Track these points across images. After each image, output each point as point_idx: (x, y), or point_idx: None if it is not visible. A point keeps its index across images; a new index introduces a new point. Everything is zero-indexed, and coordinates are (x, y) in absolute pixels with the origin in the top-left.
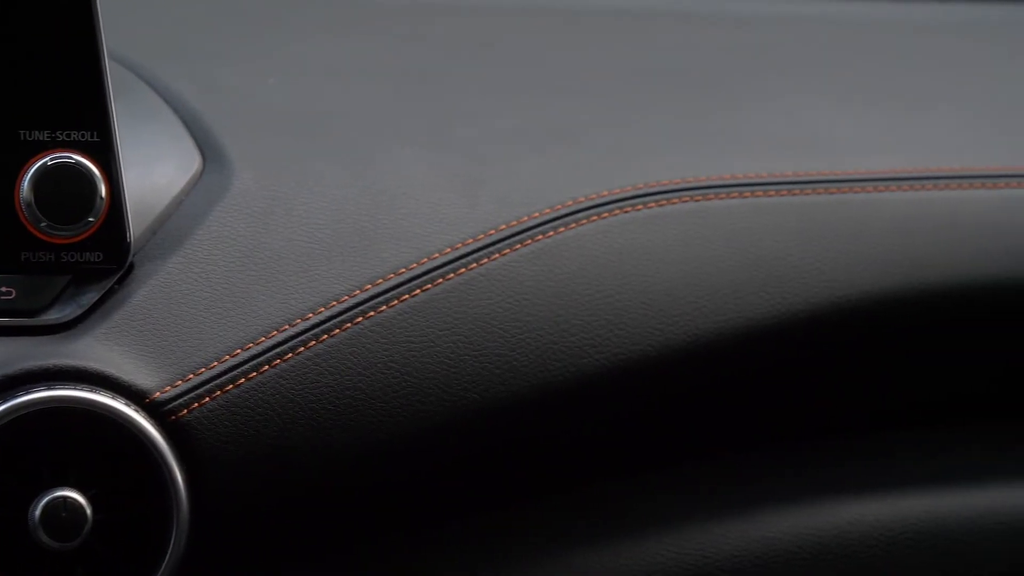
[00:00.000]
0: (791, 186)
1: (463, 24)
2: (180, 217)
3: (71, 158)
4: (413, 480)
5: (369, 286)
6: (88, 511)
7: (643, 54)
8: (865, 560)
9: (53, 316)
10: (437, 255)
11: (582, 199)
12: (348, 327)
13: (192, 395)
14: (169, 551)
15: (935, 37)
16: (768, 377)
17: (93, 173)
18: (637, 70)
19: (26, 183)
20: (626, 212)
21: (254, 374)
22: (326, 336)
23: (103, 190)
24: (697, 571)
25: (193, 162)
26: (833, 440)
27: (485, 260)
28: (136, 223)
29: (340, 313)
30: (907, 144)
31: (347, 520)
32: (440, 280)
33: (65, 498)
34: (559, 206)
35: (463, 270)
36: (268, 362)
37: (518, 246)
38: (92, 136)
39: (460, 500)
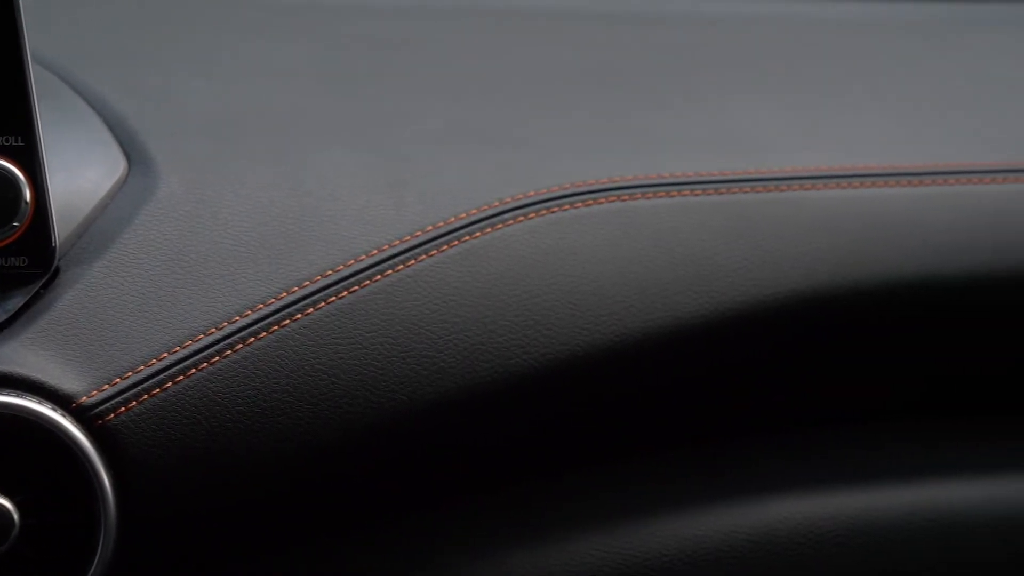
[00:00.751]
0: (717, 185)
1: (388, 25)
2: (106, 221)
3: None
4: (342, 482)
5: (296, 288)
6: (15, 516)
7: (569, 54)
8: (795, 558)
9: None
10: (364, 257)
11: (508, 200)
12: (275, 330)
13: (119, 399)
14: (97, 556)
15: (861, 35)
16: (697, 376)
17: (17, 177)
18: (563, 70)
19: None
20: (553, 212)
21: (181, 378)
22: (253, 339)
23: (27, 194)
24: (627, 570)
25: (118, 166)
26: (762, 438)
27: (412, 261)
28: (61, 227)
29: (266, 316)
30: (833, 142)
31: (277, 522)
32: (367, 282)
33: None
34: (485, 207)
35: (390, 272)
36: (195, 366)
37: (445, 247)
38: (16, 141)
39: (389, 501)
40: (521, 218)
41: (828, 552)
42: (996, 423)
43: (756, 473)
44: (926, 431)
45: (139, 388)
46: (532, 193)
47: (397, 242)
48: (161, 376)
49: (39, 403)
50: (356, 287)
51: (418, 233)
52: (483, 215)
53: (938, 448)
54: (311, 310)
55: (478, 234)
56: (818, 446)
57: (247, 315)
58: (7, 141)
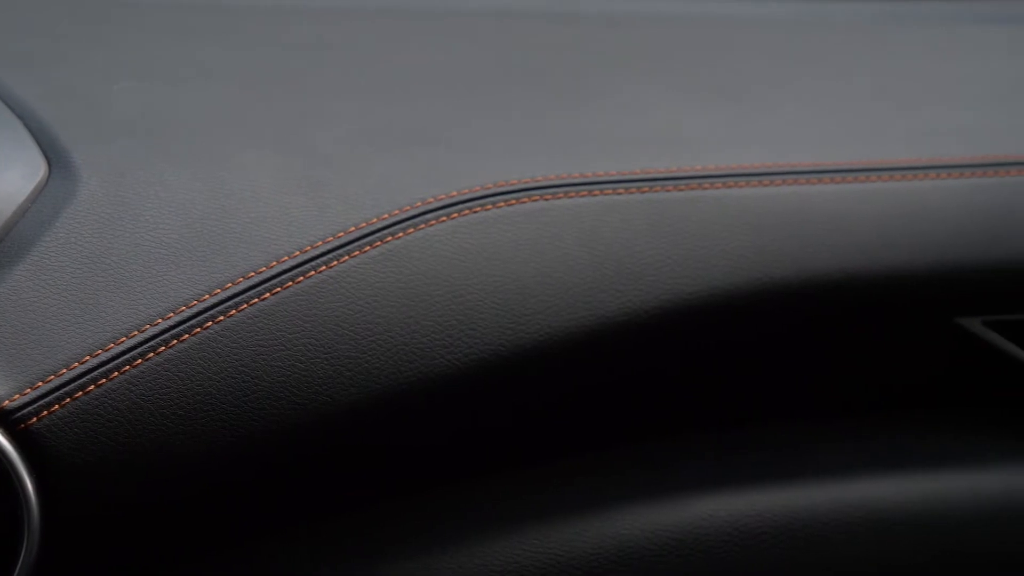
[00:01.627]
0: (640, 184)
1: (308, 27)
2: (26, 224)
3: None
4: (267, 482)
5: (218, 290)
6: None
7: (491, 54)
8: (722, 555)
9: None
10: (286, 258)
11: (431, 200)
12: (197, 332)
13: (41, 403)
14: (20, 559)
15: (786, 33)
16: (621, 375)
17: None
18: (485, 70)
19: None
20: (475, 212)
21: (103, 380)
22: (175, 341)
23: None
24: (551, 571)
25: (38, 169)
26: (687, 436)
27: (334, 263)
28: None
29: (189, 318)
30: (757, 139)
31: (203, 522)
32: (289, 283)
33: None
34: (408, 207)
35: (312, 273)
36: (117, 368)
37: (367, 248)
38: None
39: (313, 503)
40: (444, 218)
41: (754, 550)
42: (921, 418)
43: (681, 472)
44: (850, 428)
45: (62, 391)
46: (455, 193)
47: (319, 243)
48: (84, 379)
49: None
50: (279, 288)
51: (340, 234)
52: (405, 216)
53: (862, 444)
54: (234, 312)
55: (400, 235)
56: (743, 444)
57: (170, 317)
58: None
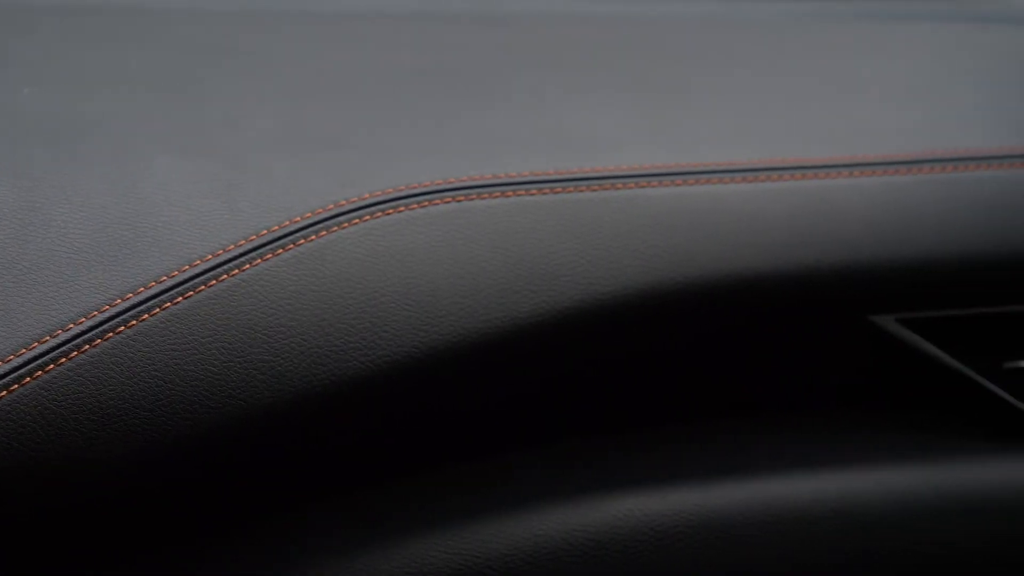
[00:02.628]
0: (553, 184)
1: (219, 29)
2: None
3: None
4: (181, 487)
5: (130, 295)
6: None
7: (402, 56)
8: (637, 555)
9: None
10: (199, 262)
11: (343, 202)
12: (110, 337)
13: None
14: None
15: (695, 32)
16: (536, 376)
17: None
18: (396, 72)
19: None
20: (388, 214)
21: (15, 386)
22: (87, 347)
23: None
24: (468, 571)
25: None
26: (603, 436)
27: (247, 266)
28: None
29: (101, 323)
30: (669, 139)
31: (116, 528)
32: (202, 287)
33: None
34: (320, 210)
35: (225, 276)
36: (29, 374)
37: (280, 251)
38: None
39: (228, 506)
40: (356, 220)
41: (669, 549)
42: (836, 416)
43: (597, 472)
44: (765, 426)
45: None
46: (367, 195)
47: (232, 246)
48: None
49: None
50: (191, 292)
51: (253, 237)
52: (318, 218)
53: (776, 442)
54: (146, 316)
55: (313, 237)
56: (658, 443)
57: (81, 322)
58: None
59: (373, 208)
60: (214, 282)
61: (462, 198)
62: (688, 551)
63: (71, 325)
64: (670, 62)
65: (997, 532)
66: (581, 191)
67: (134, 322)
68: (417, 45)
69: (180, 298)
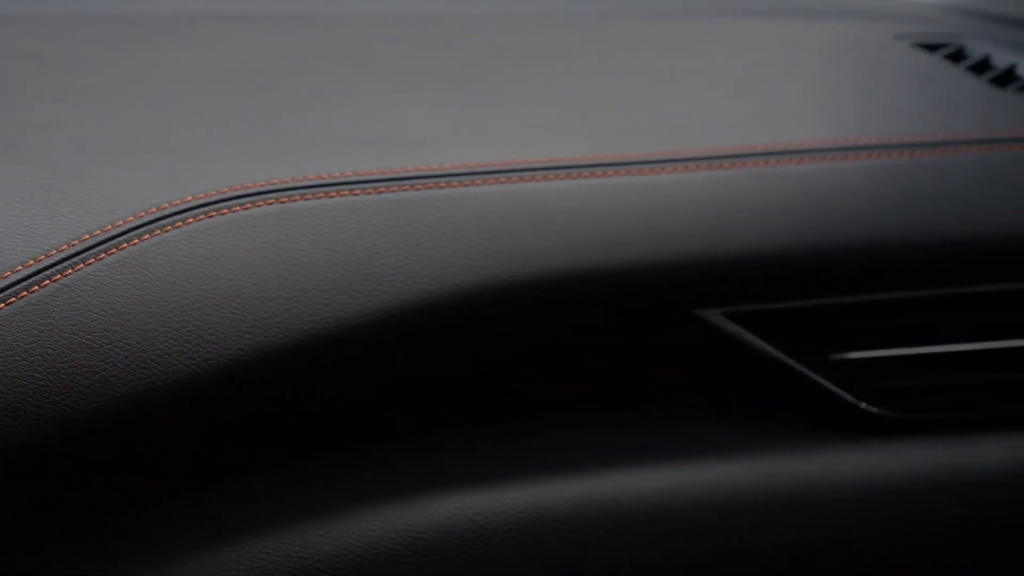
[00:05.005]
0: (376, 184)
1: (40, 32)
2: None
3: None
4: (17, 492)
5: None
6: None
7: (221, 58)
8: (467, 554)
9: None
10: (20, 268)
11: (166, 205)
12: None
13: None
14: None
15: (515, 29)
16: (364, 376)
17: None
18: (216, 74)
19: None
20: (211, 217)
21: None
22: None
23: None
24: (298, 573)
25: None
26: (431, 435)
27: (69, 271)
28: None
29: None
30: (493, 137)
31: None
32: (24, 293)
33: None
34: (142, 213)
35: (47, 282)
36: None
37: (102, 255)
38: None
39: (55, 511)
40: (179, 224)
41: (499, 547)
42: (664, 410)
43: (424, 471)
44: (593, 421)
45: None
46: (189, 198)
47: (53, 252)
48: None
49: None
50: (13, 299)
51: (75, 242)
52: (140, 222)
53: (605, 438)
54: None
55: (136, 241)
56: (486, 441)
57: None
58: None
59: (196, 211)
60: (36, 288)
61: (285, 199)
62: (521, 549)
63: None
64: (491, 60)
65: (826, 524)
66: (404, 190)
67: None
68: (238, 47)
69: (2, 304)
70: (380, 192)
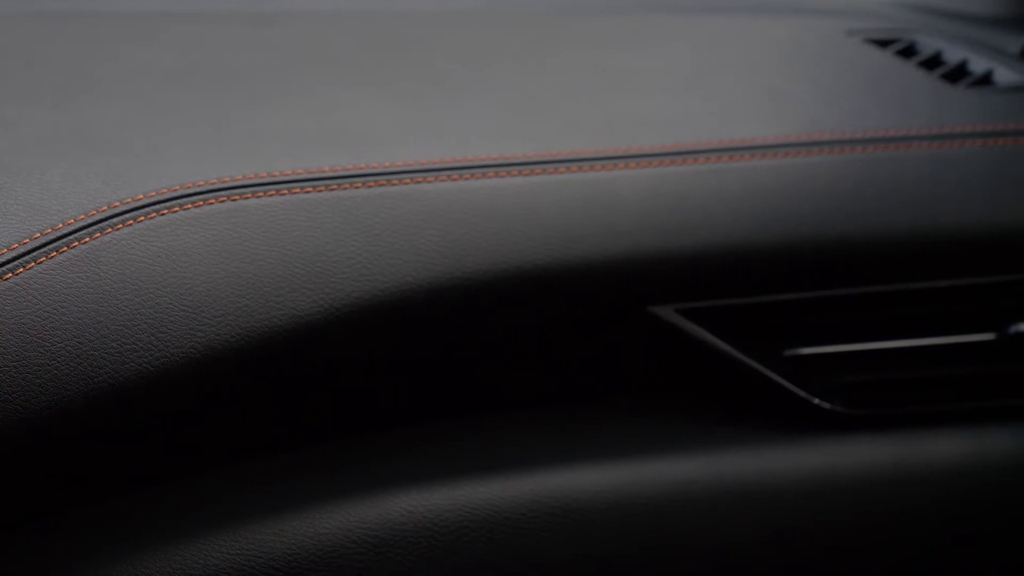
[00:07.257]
0: (328, 181)
1: None
2: None
3: None
4: None
5: None
6: None
7: (170, 56)
8: (422, 552)
9: None
10: None
11: (117, 204)
12: None
13: None
14: None
15: (466, 27)
16: (317, 374)
17: None
18: (165, 72)
19: None
20: (163, 215)
21: None
22: None
23: None
24: (251, 572)
25: None
26: (386, 432)
27: (21, 270)
28: None
29: None
30: (444, 134)
31: None
32: None
33: None
34: (94, 211)
35: None
36: None
37: (54, 254)
38: None
39: (15, 507)
40: (131, 222)
41: (455, 545)
42: (619, 407)
43: (379, 468)
44: (549, 418)
45: None
46: (141, 197)
47: (4, 251)
48: None
49: None
50: None
51: (26, 241)
52: (92, 220)
53: (561, 435)
54: None
55: (88, 239)
56: (442, 438)
57: None
58: None
59: (147, 209)
60: None
61: (236, 197)
62: (474, 546)
63: None
64: (442, 58)
65: (781, 519)
66: (356, 187)
67: None
68: (189, 45)
69: None
70: (331, 189)
